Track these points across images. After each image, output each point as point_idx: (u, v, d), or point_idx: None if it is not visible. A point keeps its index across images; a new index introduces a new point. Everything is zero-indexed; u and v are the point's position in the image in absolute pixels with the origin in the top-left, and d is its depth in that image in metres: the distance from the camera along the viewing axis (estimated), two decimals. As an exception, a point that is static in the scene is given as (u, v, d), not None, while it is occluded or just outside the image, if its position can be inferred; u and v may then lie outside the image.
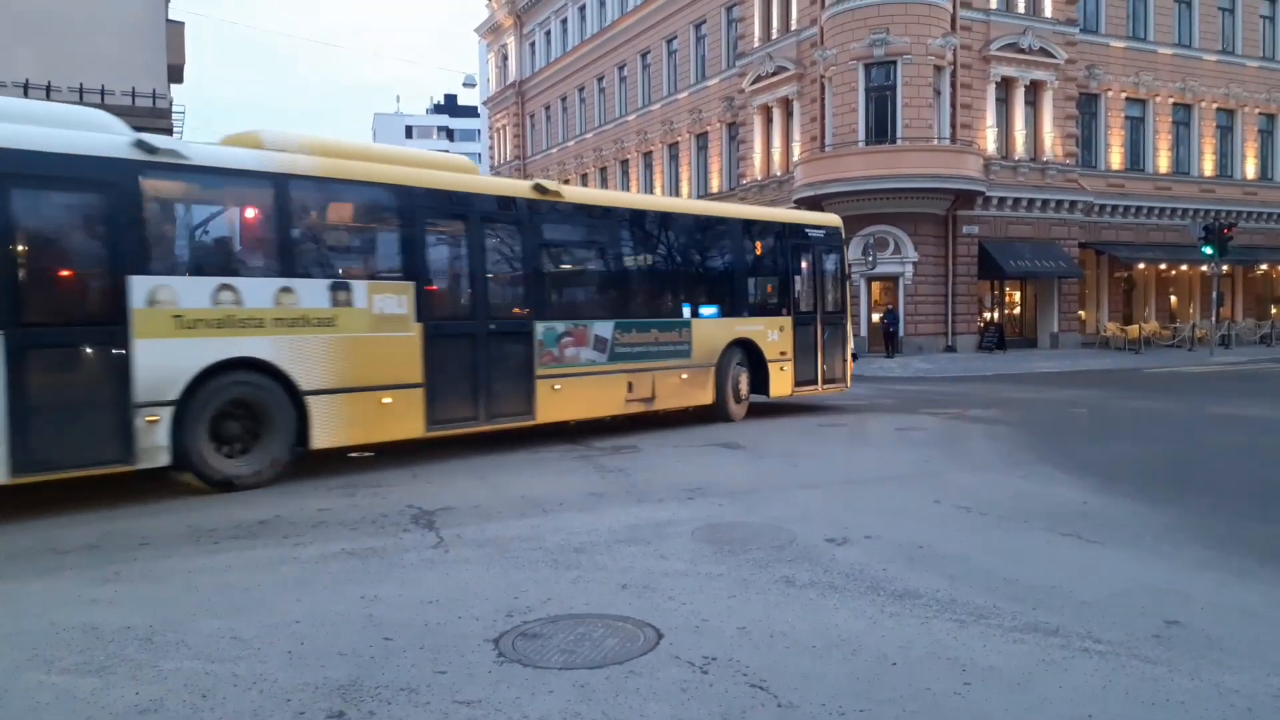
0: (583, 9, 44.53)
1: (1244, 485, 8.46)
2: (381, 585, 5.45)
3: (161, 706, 3.82)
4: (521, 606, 5.00)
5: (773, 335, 13.78)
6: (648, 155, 39.56)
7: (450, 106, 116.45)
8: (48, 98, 18.63)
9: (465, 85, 54.93)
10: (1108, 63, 31.08)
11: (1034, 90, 29.23)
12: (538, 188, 11.22)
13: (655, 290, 12.68)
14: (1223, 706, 3.68)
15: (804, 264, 14.39)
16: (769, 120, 31.53)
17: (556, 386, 11.01)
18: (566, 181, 46.79)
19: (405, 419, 9.69)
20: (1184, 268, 33.67)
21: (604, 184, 43.18)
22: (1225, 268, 30.78)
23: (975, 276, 28.82)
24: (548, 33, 48.51)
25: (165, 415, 7.96)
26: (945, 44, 27.00)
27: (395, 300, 9.56)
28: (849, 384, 15.41)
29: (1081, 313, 31.80)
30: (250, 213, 9.08)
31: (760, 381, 13.78)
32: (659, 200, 14.13)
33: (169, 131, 19.96)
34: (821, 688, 3.89)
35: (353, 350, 9.18)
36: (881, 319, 27.66)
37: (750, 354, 13.58)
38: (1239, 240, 30.17)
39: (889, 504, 7.60)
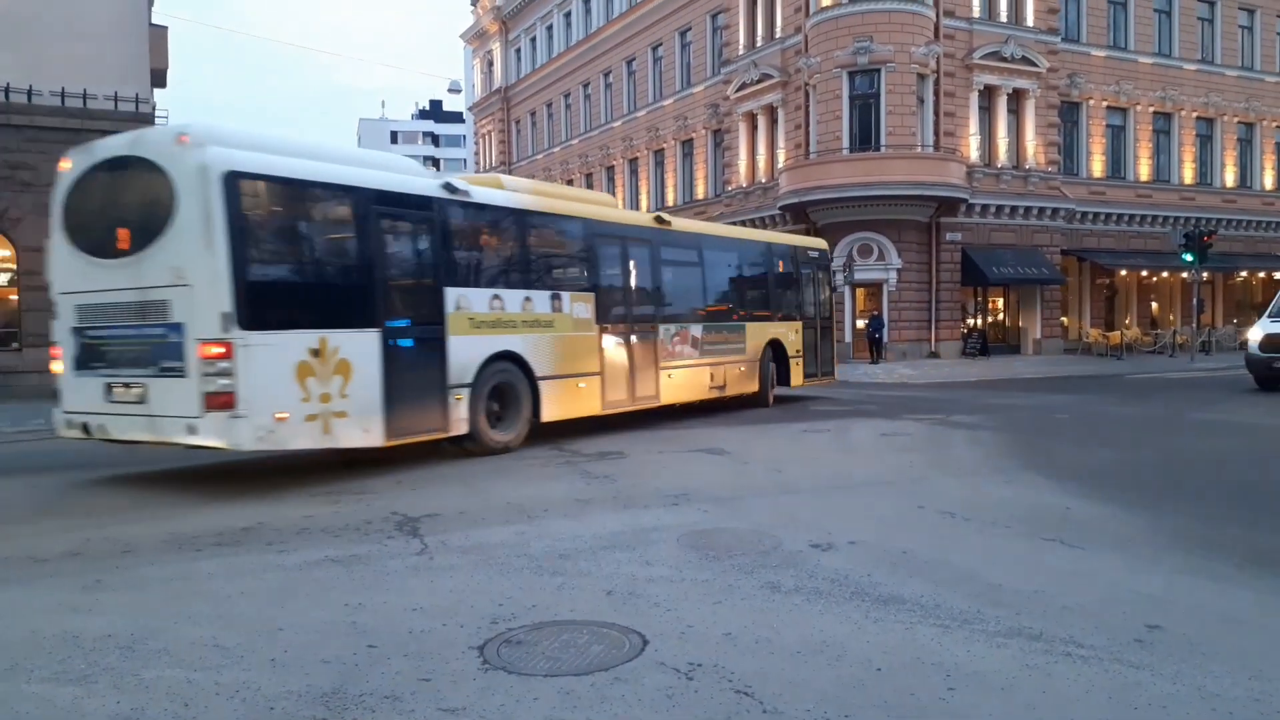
0: (568, 15, 44.59)
1: (1226, 490, 8.53)
2: (366, 592, 5.43)
3: (143, 715, 3.78)
4: (506, 613, 4.99)
5: (791, 336, 16.82)
6: (633, 162, 39.61)
7: (435, 112, 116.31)
8: (29, 102, 18.51)
9: (451, 91, 54.91)
10: (1089, 71, 31.36)
11: (1016, 98, 29.46)
12: (658, 219, 14.39)
13: (724, 300, 15.65)
14: (1204, 710, 3.71)
15: (807, 278, 17.52)
16: (754, 127, 31.63)
17: (670, 375, 13.76)
18: (552, 187, 46.79)
19: (590, 400, 12.28)
20: (1165, 274, 33.97)
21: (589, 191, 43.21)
22: (1205, 275, 31.06)
23: (959, 283, 28.99)
24: (533, 39, 48.54)
25: (465, 395, 10.39)
26: (928, 52, 27.18)
27: (585, 307, 12.28)
28: (836, 377, 18.87)
29: (1064, 319, 32.04)
30: (506, 238, 11.65)
31: (783, 375, 16.68)
32: (725, 228, 18.27)
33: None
34: (806, 693, 3.89)
35: (562, 346, 11.82)
36: (866, 325, 27.76)
37: (777, 352, 16.48)
38: (1219, 247, 30.47)
39: (873, 510, 7.62)
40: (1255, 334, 18.36)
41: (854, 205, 26.94)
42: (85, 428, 9.15)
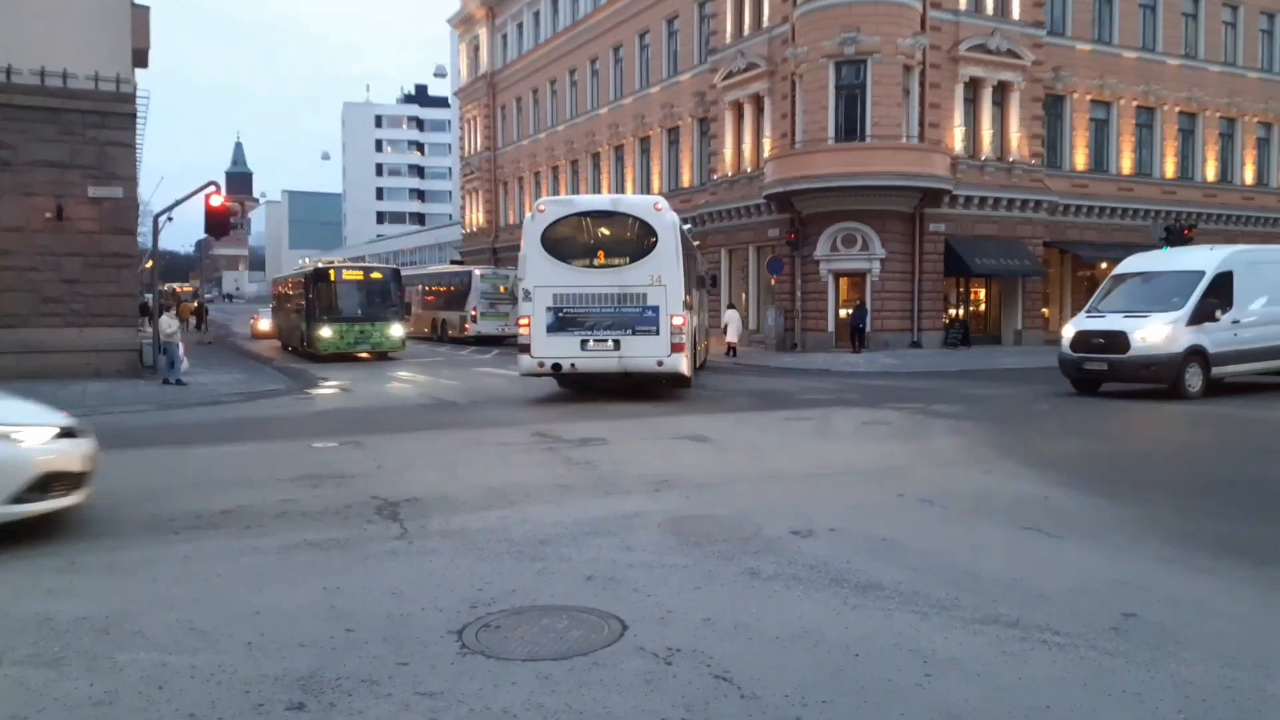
0: (555, 2, 44.32)
1: (1202, 482, 8.61)
2: (344, 576, 5.41)
3: (117, 698, 3.75)
4: (486, 598, 4.98)
5: None
6: (619, 149, 39.48)
7: (420, 97, 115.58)
8: (9, 80, 18.24)
9: (436, 76, 54.54)
10: (1074, 65, 31.46)
11: (1001, 91, 29.52)
12: None
13: None
14: (1178, 698, 3.75)
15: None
16: (740, 116, 31.58)
17: None
18: (537, 174, 46.63)
19: None
20: (1145, 268, 34.14)
21: (575, 177, 43.04)
22: (1185, 269, 31.25)
23: (941, 274, 29.08)
24: (520, 24, 48.22)
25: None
26: (915, 44, 27.19)
27: None
28: None
29: (1045, 310, 32.21)
30: None
31: None
32: None
33: (132, 116, 19.62)
34: (785, 679, 3.91)
35: None
36: (849, 315, 27.83)
37: None
38: (1199, 241, 30.58)
39: (853, 497, 7.66)
40: (1067, 331, 16.44)
41: (839, 195, 26.95)
42: (556, 366, 14.90)
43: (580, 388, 16.51)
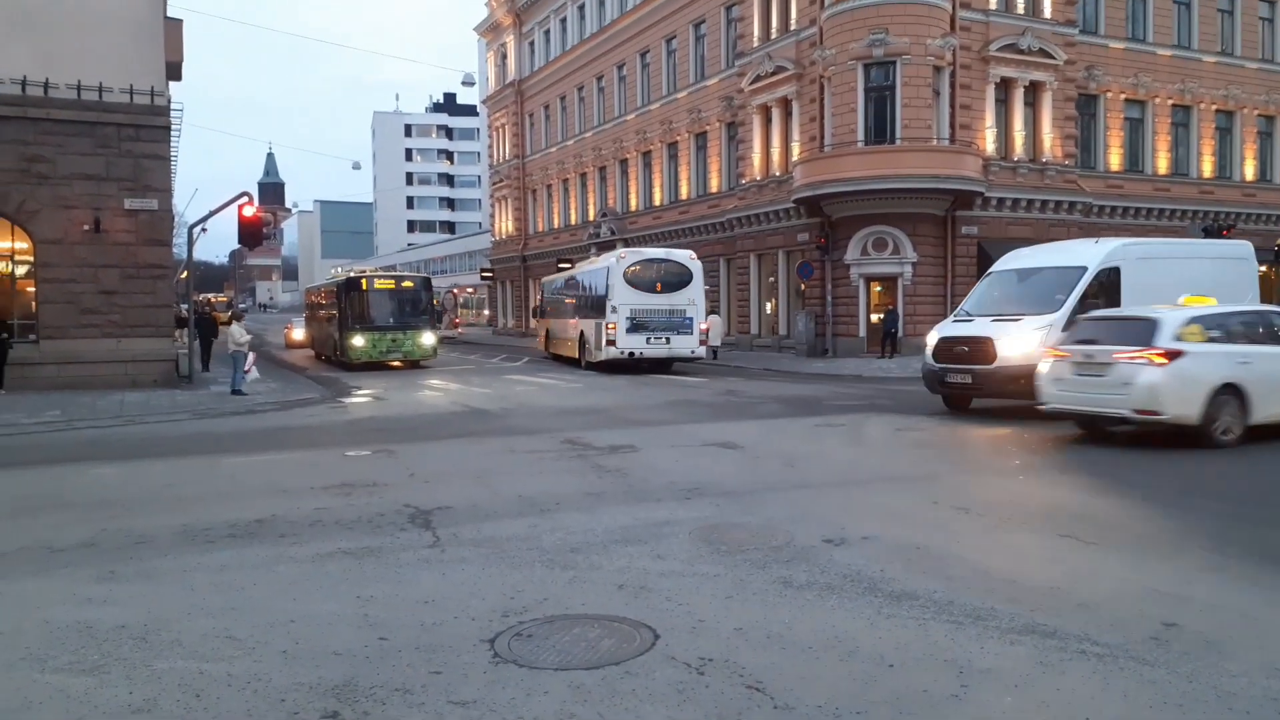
0: (582, 8, 44.48)
1: (1244, 488, 8.45)
2: (377, 585, 5.44)
3: (155, 706, 3.80)
4: (518, 607, 4.99)
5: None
6: (647, 155, 39.51)
7: (449, 105, 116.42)
8: (45, 94, 18.61)
9: (464, 84, 54.65)
10: (1107, 64, 31.05)
11: (1033, 91, 29.20)
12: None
13: None
14: (1220, 709, 3.67)
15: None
16: (768, 120, 31.48)
17: None
18: (565, 182, 46.80)
19: None
20: (1183, 269, 33.55)
21: (603, 184, 43.14)
22: (1224, 269, 30.72)
23: (974, 277, 28.70)
24: (547, 32, 48.45)
25: None
26: (944, 44, 26.98)
27: None
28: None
29: (1081, 313, 31.79)
30: None
31: None
32: None
33: (166, 129, 19.94)
34: (818, 689, 3.87)
35: None
36: (881, 319, 27.63)
37: None
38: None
39: (887, 505, 7.59)
40: (932, 337, 14.25)
41: (869, 198, 26.78)
42: (631, 354, 22.84)
43: (632, 369, 23.74)
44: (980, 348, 13.15)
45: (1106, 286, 13.30)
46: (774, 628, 4.61)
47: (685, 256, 24.37)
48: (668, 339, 23.10)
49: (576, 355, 26.30)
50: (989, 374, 13.00)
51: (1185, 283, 13.29)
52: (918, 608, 4.89)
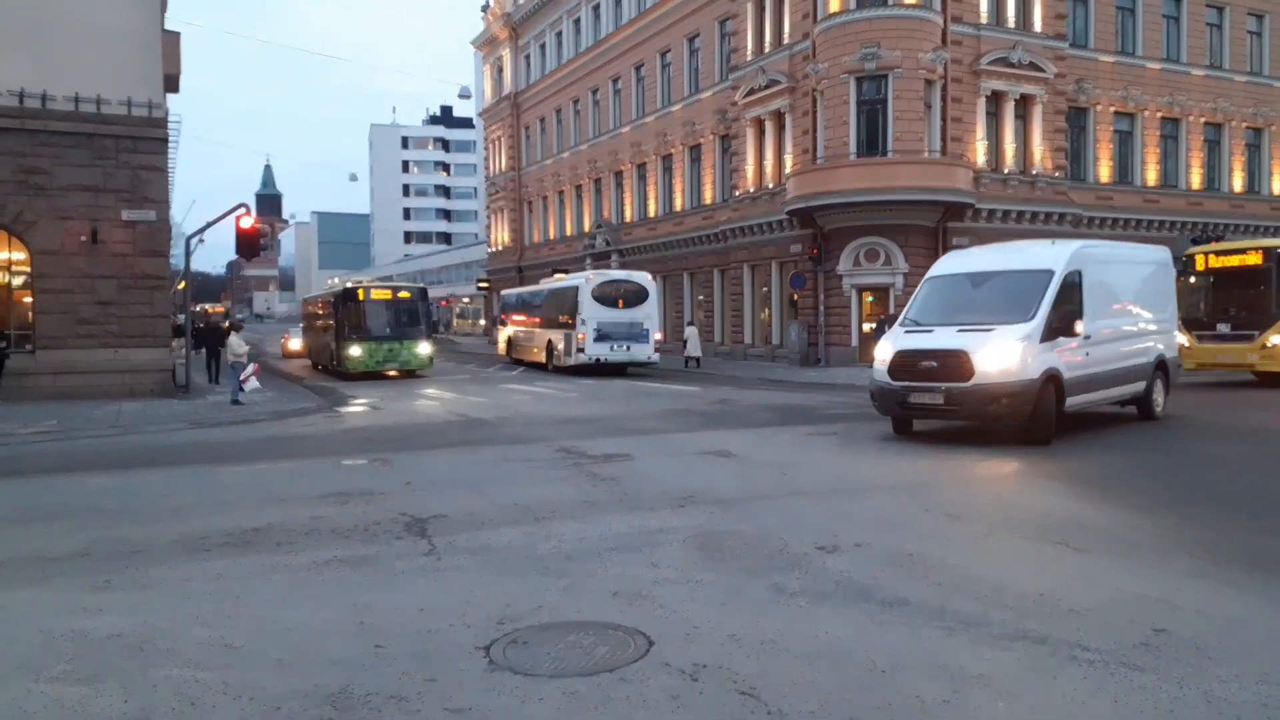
0: (577, 22, 44.68)
1: (1233, 494, 8.49)
2: (373, 593, 5.46)
3: (150, 715, 3.81)
4: (513, 614, 5.01)
5: None
6: (641, 167, 39.64)
7: (446, 118, 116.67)
8: (43, 106, 18.64)
9: (461, 97, 54.98)
10: (1097, 77, 31.27)
11: (1024, 104, 29.40)
12: None
13: None
14: (1211, 715, 3.70)
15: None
16: (761, 133, 31.63)
17: None
18: (561, 194, 46.91)
19: None
20: (1174, 280, 33.73)
21: (598, 196, 43.26)
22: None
23: (967, 288, 28.89)
24: (543, 46, 48.64)
25: None
26: (936, 58, 27.16)
27: None
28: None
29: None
30: None
31: None
32: None
33: (164, 140, 19.98)
34: (811, 695, 3.90)
35: None
36: (872, 330, 27.71)
37: None
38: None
39: (879, 512, 7.62)
40: (883, 351, 12.25)
41: (861, 210, 26.90)
42: (598, 360, 26.22)
43: (595, 372, 26.62)
44: (953, 362, 11.33)
45: (1069, 290, 12.04)
46: (767, 635, 4.64)
47: (643, 278, 28.43)
48: (628, 346, 26.82)
49: (543, 360, 29.52)
50: (965, 393, 11.21)
51: (1130, 286, 13.81)
52: (909, 614, 4.92)
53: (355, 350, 25.98)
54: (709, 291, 35.51)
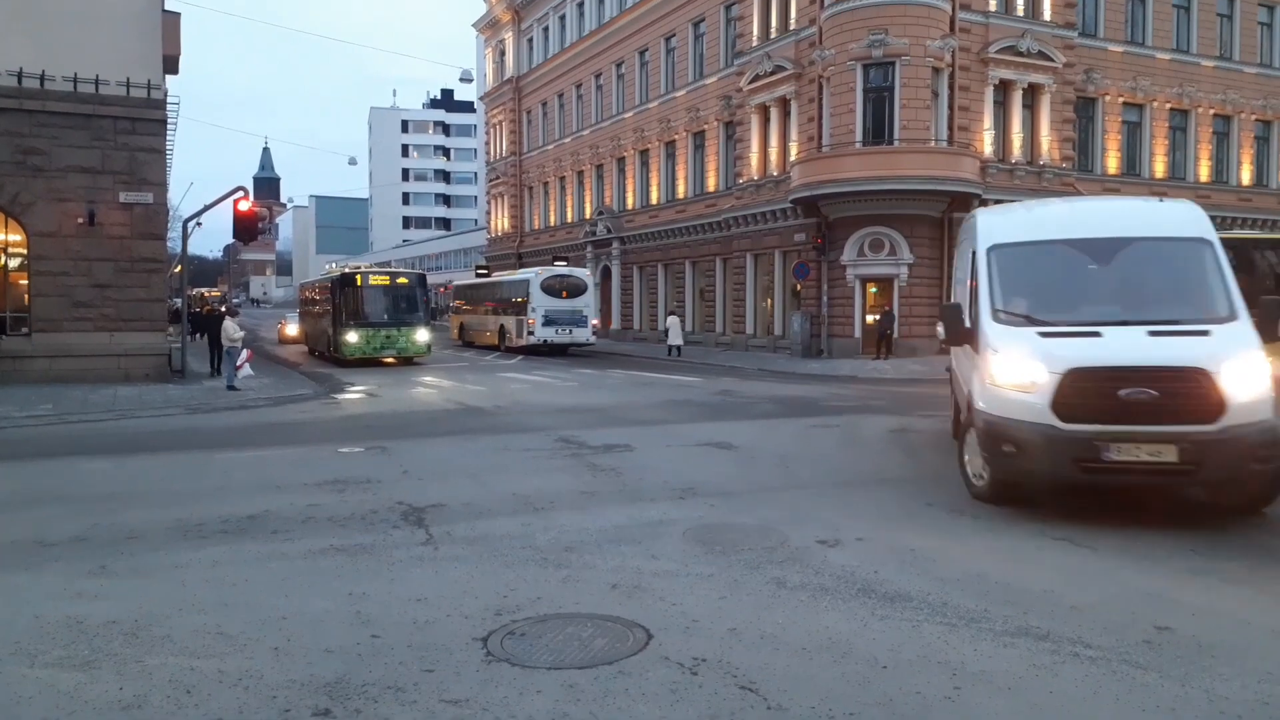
0: (581, 5, 44.41)
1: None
2: (370, 582, 5.42)
3: (145, 702, 3.78)
4: (511, 605, 4.98)
5: None
6: (644, 153, 39.47)
7: (447, 101, 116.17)
8: (42, 87, 18.53)
9: (462, 80, 54.65)
10: (1106, 67, 31.09)
11: (1032, 93, 29.23)
12: None
13: None
14: (1213, 713, 3.67)
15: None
16: (766, 120, 31.47)
17: None
18: (562, 179, 46.77)
19: None
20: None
21: (599, 182, 43.10)
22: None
23: (970, 279, 28.79)
24: (546, 29, 48.37)
25: None
26: (944, 46, 26.99)
27: None
28: None
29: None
30: None
31: None
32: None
33: (162, 122, 19.87)
34: (811, 690, 3.87)
35: None
36: (876, 321, 27.65)
37: None
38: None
39: (881, 506, 7.59)
40: (1027, 368, 7.22)
41: (866, 199, 26.78)
42: (545, 342, 31.22)
43: (544, 353, 31.30)
44: (1184, 388, 6.78)
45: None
46: (767, 628, 4.61)
47: (583, 273, 34.07)
48: (570, 330, 31.70)
49: (495, 343, 34.52)
50: (1212, 445, 6.65)
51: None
52: (911, 609, 4.89)
53: (353, 336, 25.91)
54: (711, 280, 35.43)
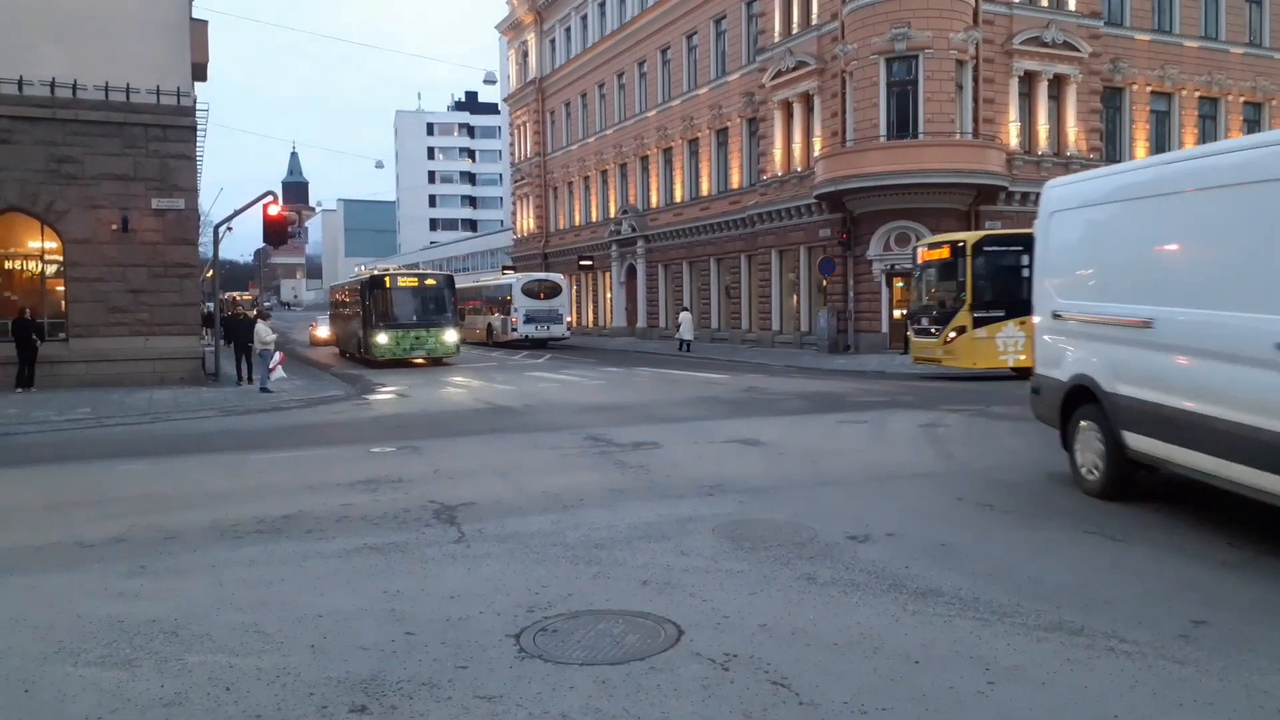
0: (603, 5, 44.46)
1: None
2: (404, 580, 5.48)
3: (186, 699, 3.85)
4: (543, 602, 5.01)
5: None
6: (668, 151, 39.46)
7: (471, 103, 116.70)
8: (74, 96, 18.84)
9: (486, 82, 54.99)
10: (1132, 56, 30.69)
11: (1057, 84, 28.92)
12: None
13: None
14: (1251, 708, 3.63)
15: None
16: (789, 116, 31.35)
17: None
18: (586, 179, 46.86)
19: None
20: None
21: (624, 181, 43.15)
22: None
23: (998, 272, 28.54)
24: (568, 29, 48.47)
25: None
26: (967, 38, 26.77)
27: None
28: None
29: (1106, 309, 31.45)
30: None
31: None
32: None
33: (192, 129, 20.14)
34: (843, 685, 3.87)
35: None
36: (903, 316, 27.46)
37: None
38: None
39: (911, 501, 7.55)
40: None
41: (891, 193, 26.62)
42: (527, 337, 36.11)
43: (526, 346, 35.08)
44: None
45: None
46: (798, 624, 4.61)
47: (558, 277, 38.91)
48: (548, 327, 36.34)
49: (485, 339, 38.54)
50: None
51: None
52: (943, 604, 4.87)
53: (383, 338, 26.16)
54: (736, 277, 35.36)
